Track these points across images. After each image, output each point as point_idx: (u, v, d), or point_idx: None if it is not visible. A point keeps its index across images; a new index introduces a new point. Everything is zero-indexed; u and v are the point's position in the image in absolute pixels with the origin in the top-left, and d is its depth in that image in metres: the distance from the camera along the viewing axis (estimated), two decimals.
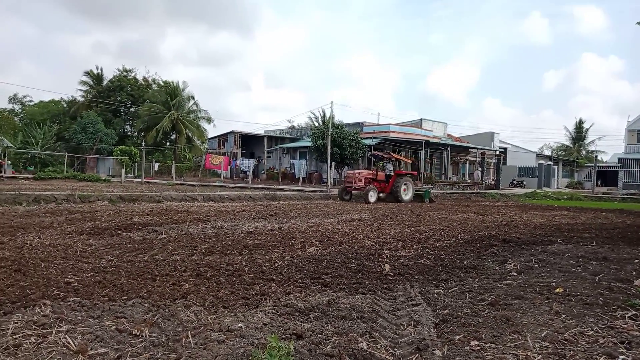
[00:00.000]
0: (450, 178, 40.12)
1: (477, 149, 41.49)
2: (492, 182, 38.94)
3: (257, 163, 41.14)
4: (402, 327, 3.58)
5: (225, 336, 3.19)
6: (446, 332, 3.45)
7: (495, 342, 3.19)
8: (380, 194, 20.45)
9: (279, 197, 19.44)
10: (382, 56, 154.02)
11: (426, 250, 7.04)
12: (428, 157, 36.94)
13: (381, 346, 3.16)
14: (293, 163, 38.33)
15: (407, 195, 20.58)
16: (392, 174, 20.90)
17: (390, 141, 33.92)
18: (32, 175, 29.77)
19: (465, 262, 6.14)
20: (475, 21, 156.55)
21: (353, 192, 20.38)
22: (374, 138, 34.14)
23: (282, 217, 11.64)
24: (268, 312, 3.80)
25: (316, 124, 41.45)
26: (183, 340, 3.14)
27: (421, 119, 42.11)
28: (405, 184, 20.62)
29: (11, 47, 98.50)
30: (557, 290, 4.54)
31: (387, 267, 5.65)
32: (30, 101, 58.96)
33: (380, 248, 7.10)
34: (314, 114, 47.01)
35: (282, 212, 13.12)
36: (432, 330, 3.51)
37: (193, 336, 3.20)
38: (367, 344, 3.16)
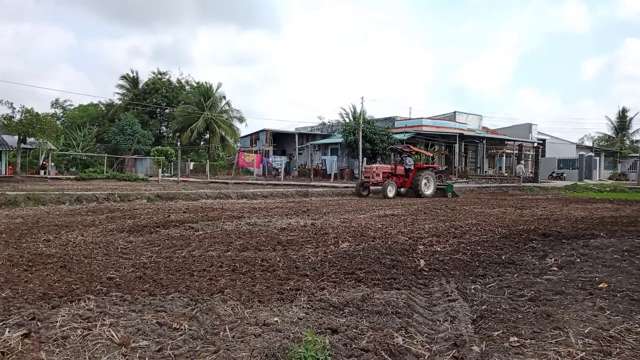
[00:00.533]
0: (486, 172, 39.19)
1: (514, 141, 40.30)
2: (531, 175, 37.76)
3: (288, 160, 41.39)
4: (438, 323, 3.53)
5: (261, 330, 3.24)
6: (484, 328, 3.38)
7: (536, 339, 3.10)
8: (401, 189, 19.94)
9: (311, 194, 19.51)
10: (413, 48, 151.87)
11: (462, 245, 6.91)
12: (462, 151, 36.18)
13: (417, 341, 3.13)
14: (324, 159, 38.35)
15: (428, 189, 19.89)
16: (412, 167, 20.31)
17: (423, 135, 33.43)
18: (74, 176, 31.02)
19: (503, 257, 5.99)
20: (509, 9, 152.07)
21: (371, 187, 19.95)
22: (406, 132, 33.71)
23: (315, 213, 11.68)
24: (303, 307, 3.82)
25: (347, 120, 41.35)
26: (221, 333, 3.20)
27: (455, 112, 41.23)
28: (426, 178, 19.92)
29: (52, 54, 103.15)
30: (601, 285, 4.36)
31: (422, 262, 5.58)
32: (71, 105, 61.51)
33: (414, 243, 7.02)
34: (344, 110, 46.94)
35: (315, 208, 13.16)
36: (469, 326, 3.45)
37: (230, 329, 3.26)
38: (403, 339, 3.14)
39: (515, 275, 5.04)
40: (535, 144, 41.68)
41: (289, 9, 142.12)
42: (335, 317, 3.62)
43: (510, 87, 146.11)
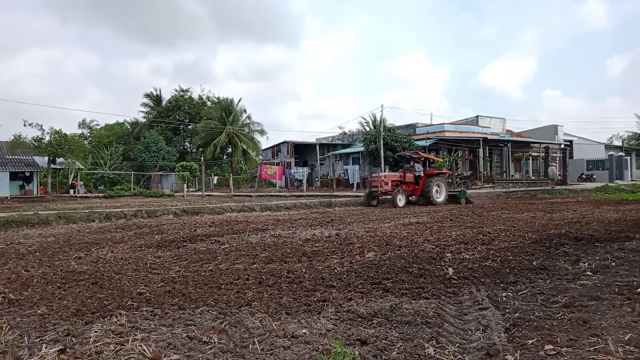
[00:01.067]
0: (512, 175, 38.45)
1: (540, 143, 39.51)
2: (559, 178, 36.86)
3: (310, 171, 41.53)
4: (470, 332, 3.46)
5: (290, 342, 3.23)
6: (518, 336, 3.29)
7: (572, 346, 3.00)
8: (412, 197, 19.31)
9: (334, 204, 19.48)
10: (432, 55, 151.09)
11: (491, 252, 6.77)
12: (487, 155, 35.64)
13: (449, 352, 3.07)
14: (346, 169, 38.34)
15: (440, 196, 19.10)
16: (422, 174, 19.54)
17: (445, 141, 33.11)
18: (103, 194, 31.84)
19: (534, 263, 5.83)
20: (529, 11, 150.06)
21: (380, 197, 19.26)
22: (428, 139, 33.45)
23: (339, 223, 11.65)
24: (330, 318, 3.80)
25: (367, 129, 41.30)
26: (250, 346, 3.21)
27: (477, 116, 40.78)
28: (437, 185, 19.14)
29: (79, 77, 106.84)
30: None
31: (451, 270, 5.49)
32: (97, 125, 63.35)
33: (441, 251, 6.92)
34: (364, 119, 46.80)
35: (338, 218, 13.13)
36: (502, 334, 3.36)
37: (259, 342, 3.26)
38: (434, 350, 3.08)
39: (548, 281, 4.90)
40: (562, 146, 40.76)
41: (306, 22, 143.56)
42: (364, 328, 3.58)
43: (533, 88, 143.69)
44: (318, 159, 41.69)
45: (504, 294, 4.45)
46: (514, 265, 5.74)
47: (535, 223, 10.38)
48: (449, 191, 20.25)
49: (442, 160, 26.60)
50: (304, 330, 3.46)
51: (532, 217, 11.84)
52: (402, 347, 3.11)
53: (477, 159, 34.87)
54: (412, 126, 38.42)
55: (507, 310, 3.93)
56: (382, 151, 25.95)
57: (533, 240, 7.70)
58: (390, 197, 18.53)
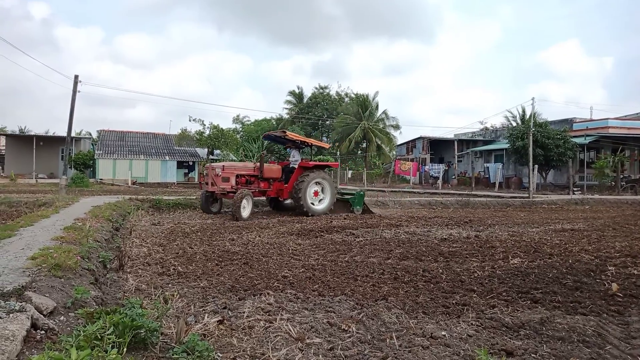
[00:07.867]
0: None
1: None
2: None
3: (447, 168, 39.96)
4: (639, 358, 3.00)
5: (429, 342, 3.17)
6: None
7: None
8: (285, 201, 13.41)
9: (473, 204, 18.45)
10: (588, 42, 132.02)
11: None
12: None
13: None
14: (487, 167, 36.03)
15: (320, 203, 12.74)
16: (296, 167, 13.01)
17: (609, 138, 29.00)
18: None
19: None
20: None
21: (224, 198, 12.70)
22: (588, 135, 29.61)
23: (478, 224, 11.01)
24: (471, 324, 3.63)
25: (514, 124, 38.14)
26: (387, 340, 3.23)
27: None
28: (317, 184, 12.67)
29: (235, 78, 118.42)
30: None
31: (615, 286, 4.80)
32: (248, 121, 69.46)
33: (602, 264, 6.09)
34: (511, 113, 43.34)
35: (478, 219, 12.42)
36: None
37: (397, 338, 3.27)
38: None
39: None
40: None
41: (443, 14, 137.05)
42: (510, 338, 3.35)
43: None
44: (455, 156, 39.92)
45: None
46: None
47: None
48: (341, 193, 14.13)
49: (328, 146, 14.28)
50: (443, 332, 3.37)
51: None
52: None
53: None
54: (569, 121, 34.36)
55: None
56: (530, 148, 23.66)
57: None
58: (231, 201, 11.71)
